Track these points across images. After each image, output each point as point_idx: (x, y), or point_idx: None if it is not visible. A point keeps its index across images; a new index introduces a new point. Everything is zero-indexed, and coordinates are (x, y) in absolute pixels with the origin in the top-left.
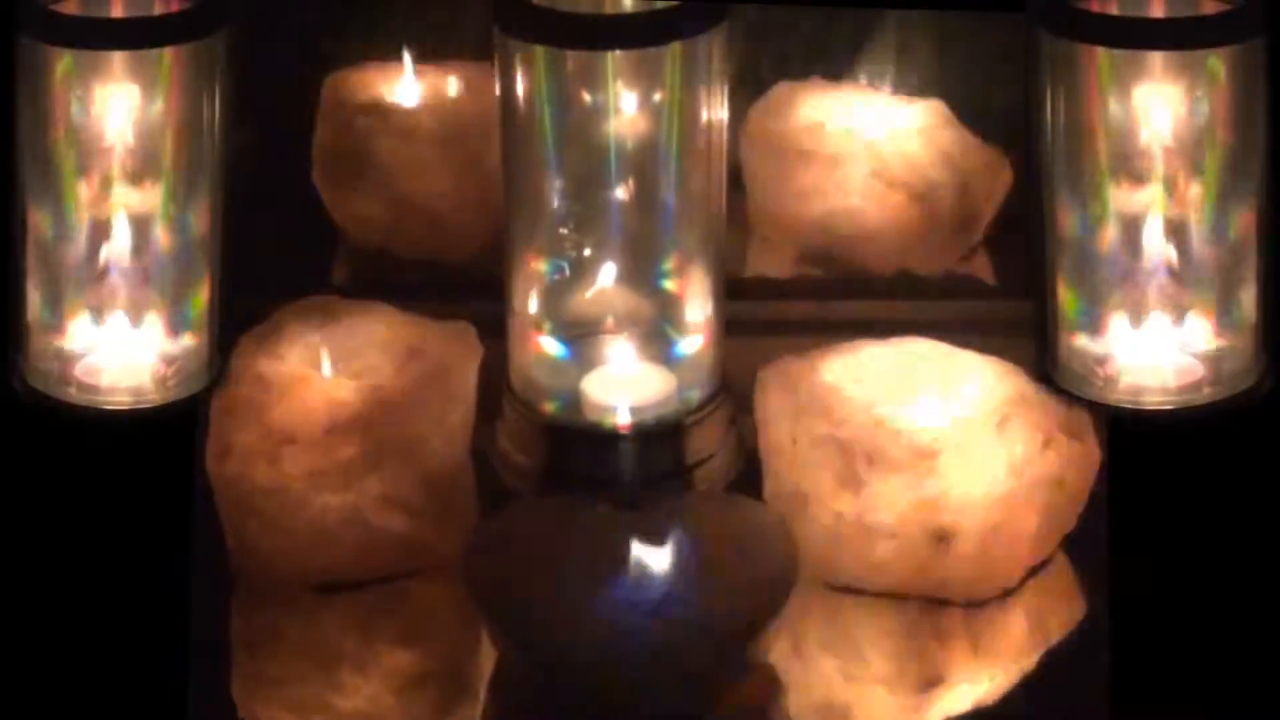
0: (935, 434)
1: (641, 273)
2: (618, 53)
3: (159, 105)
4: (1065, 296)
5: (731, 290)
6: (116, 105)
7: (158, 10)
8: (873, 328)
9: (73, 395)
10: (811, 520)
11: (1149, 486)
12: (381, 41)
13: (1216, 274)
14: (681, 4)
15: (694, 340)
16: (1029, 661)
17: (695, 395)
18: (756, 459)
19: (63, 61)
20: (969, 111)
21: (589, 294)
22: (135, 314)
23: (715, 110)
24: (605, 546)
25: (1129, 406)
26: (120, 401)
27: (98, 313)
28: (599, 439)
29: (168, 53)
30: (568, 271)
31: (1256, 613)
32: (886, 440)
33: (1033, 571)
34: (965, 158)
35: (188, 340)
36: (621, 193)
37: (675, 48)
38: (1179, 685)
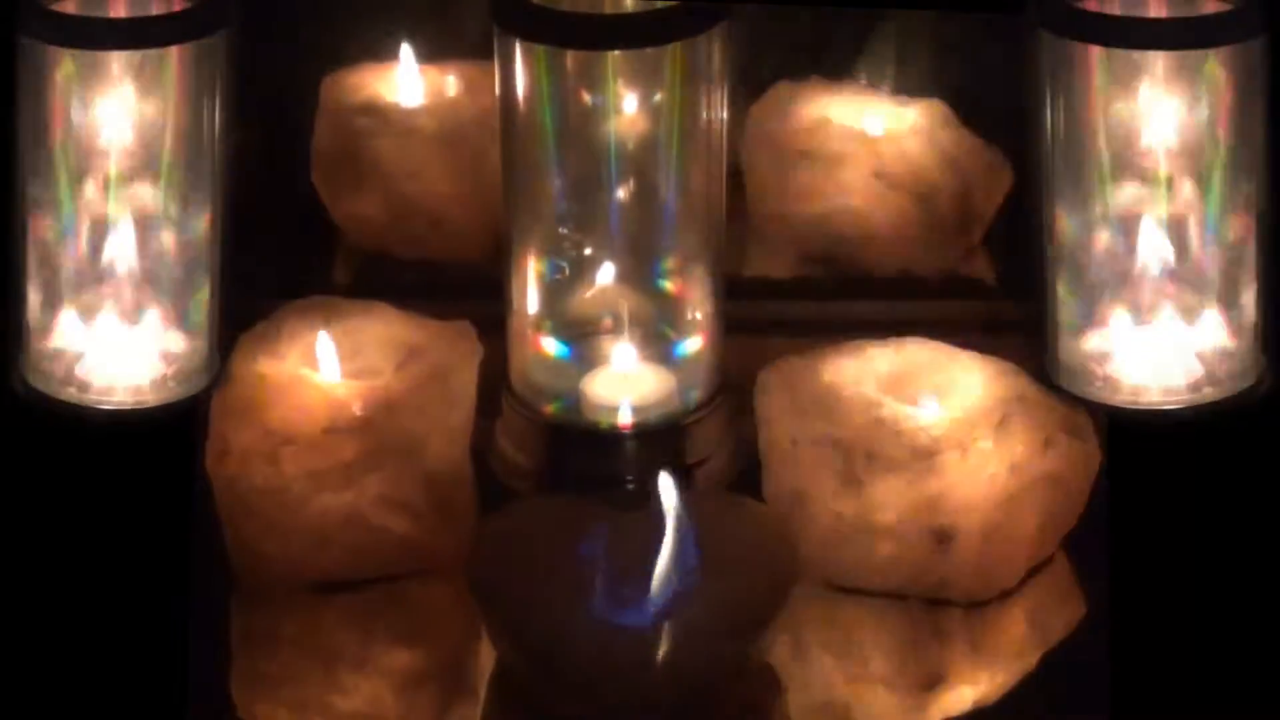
0: (935, 434)
1: (641, 273)
2: (618, 53)
3: (159, 105)
4: (1065, 296)
5: (731, 290)
6: (117, 105)
7: (157, 10)
8: (873, 328)
9: (73, 395)
10: (811, 520)
11: (1149, 486)
12: (381, 41)
13: (1216, 274)
14: (681, 4)
15: (694, 340)
16: (1029, 661)
17: (695, 395)
18: (756, 459)
19: (63, 62)
20: (969, 111)
21: (589, 294)
22: (135, 314)
23: (715, 110)
24: (605, 546)
25: (1129, 406)
26: (120, 401)
27: (98, 313)
28: (599, 439)
29: (168, 53)
30: (568, 271)
31: (1257, 613)
32: (886, 440)
33: (1033, 571)
34: (965, 158)
35: (188, 340)
36: (621, 193)
37: (675, 48)
38: (1179, 685)
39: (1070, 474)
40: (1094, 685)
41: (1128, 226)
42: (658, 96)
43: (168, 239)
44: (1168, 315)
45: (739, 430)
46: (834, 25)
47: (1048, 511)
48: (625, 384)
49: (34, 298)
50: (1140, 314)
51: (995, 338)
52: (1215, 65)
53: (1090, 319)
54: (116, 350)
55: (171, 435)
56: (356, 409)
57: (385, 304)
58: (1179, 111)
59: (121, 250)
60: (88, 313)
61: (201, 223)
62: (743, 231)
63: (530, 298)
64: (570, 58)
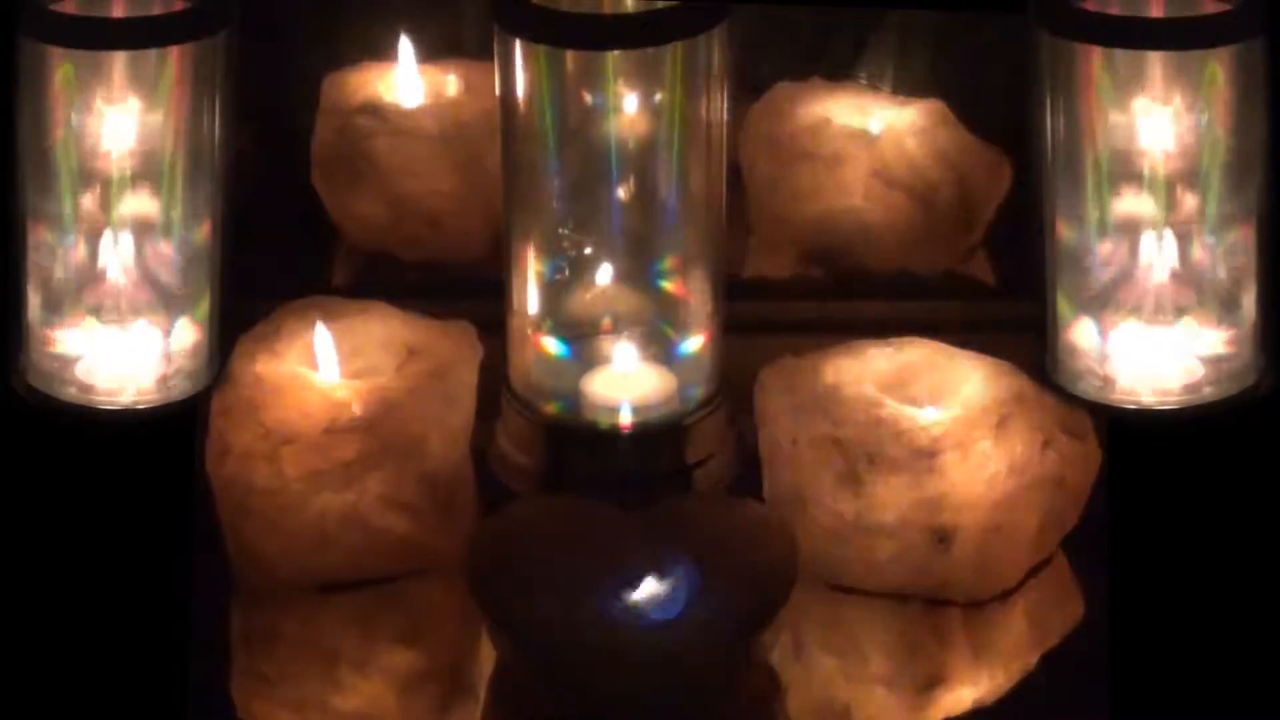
0: (935, 434)
1: (641, 273)
2: (618, 53)
3: (160, 105)
4: (1065, 296)
5: (731, 290)
6: (117, 105)
7: (158, 10)
8: (873, 328)
9: (73, 395)
10: (811, 520)
11: (1149, 486)
12: (381, 40)
13: (1216, 274)
14: (681, 4)
15: (694, 340)
16: (1029, 661)
17: (695, 395)
18: (756, 459)
19: (63, 62)
20: (969, 111)
21: (589, 294)
22: (135, 314)
23: (715, 110)
24: (605, 546)
25: (1129, 406)
26: (120, 401)
27: (98, 313)
28: (599, 439)
29: (169, 53)
30: (568, 271)
31: (1257, 613)
32: (886, 440)
33: (1033, 571)
34: (965, 158)
35: (188, 340)
36: (621, 193)
37: (675, 48)
38: (1179, 685)
39: (1070, 474)
40: (1094, 685)
41: (1128, 226)
42: (658, 96)
43: (168, 238)
44: (1167, 315)
45: (739, 430)
46: (834, 25)
47: (1048, 511)
48: (625, 384)
49: (34, 297)
50: (1140, 314)
51: (995, 338)
52: (1215, 65)
53: (1090, 319)
54: (117, 350)
55: (171, 435)
56: (356, 409)
57: (385, 304)
58: (1179, 112)
59: (122, 249)
60: (89, 313)
61: (202, 222)
62: (743, 231)
63: (530, 298)
64: (570, 58)
